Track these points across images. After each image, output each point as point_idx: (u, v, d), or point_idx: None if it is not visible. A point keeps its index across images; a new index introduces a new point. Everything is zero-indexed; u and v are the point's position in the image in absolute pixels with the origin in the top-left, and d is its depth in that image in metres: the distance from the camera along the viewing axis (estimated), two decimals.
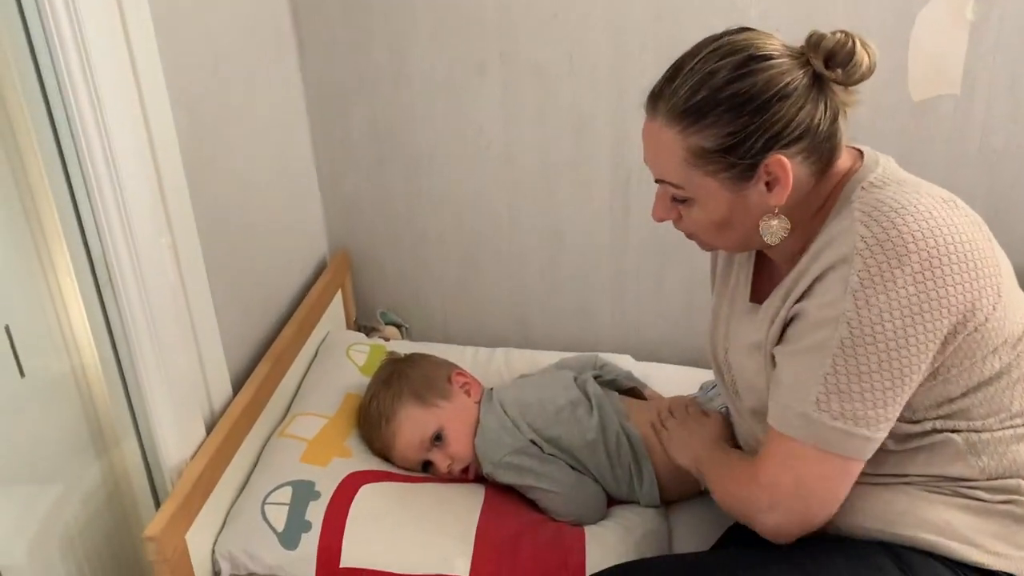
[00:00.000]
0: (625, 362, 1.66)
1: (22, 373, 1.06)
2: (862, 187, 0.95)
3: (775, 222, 0.97)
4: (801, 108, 0.91)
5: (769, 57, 0.92)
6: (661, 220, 1.03)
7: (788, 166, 0.92)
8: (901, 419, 0.94)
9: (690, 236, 1.05)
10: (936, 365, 0.92)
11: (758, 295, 1.09)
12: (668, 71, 0.97)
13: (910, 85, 1.60)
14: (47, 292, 1.12)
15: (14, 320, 1.04)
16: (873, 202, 0.92)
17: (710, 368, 1.64)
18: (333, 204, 1.85)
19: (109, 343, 1.17)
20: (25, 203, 1.07)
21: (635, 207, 1.74)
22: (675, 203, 1.00)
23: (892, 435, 0.94)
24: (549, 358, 1.70)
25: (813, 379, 0.92)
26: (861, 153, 1.00)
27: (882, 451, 0.95)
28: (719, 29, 0.98)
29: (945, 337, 0.89)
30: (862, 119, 1.56)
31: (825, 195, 0.98)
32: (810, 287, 0.94)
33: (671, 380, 1.63)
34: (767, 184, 0.94)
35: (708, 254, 1.23)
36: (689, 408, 1.32)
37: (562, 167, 1.74)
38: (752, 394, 1.06)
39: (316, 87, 1.74)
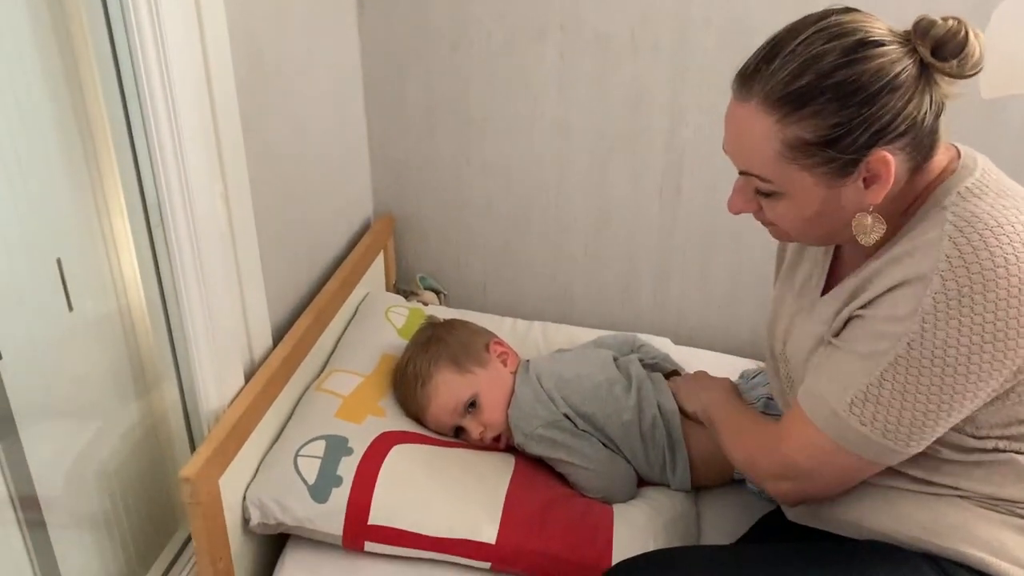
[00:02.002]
0: (664, 345, 1.64)
1: (71, 307, 1.07)
2: (958, 192, 0.88)
3: (869, 220, 0.89)
4: (909, 101, 0.84)
5: (880, 43, 0.84)
6: (739, 213, 0.97)
7: (892, 163, 0.85)
8: (962, 432, 0.91)
9: (767, 225, 0.99)
10: (1008, 387, 0.87)
11: (827, 290, 1.04)
12: (764, 50, 0.88)
13: (981, 83, 1.55)
14: (99, 231, 1.13)
15: (66, 255, 1.06)
16: (967, 216, 0.85)
17: (753, 357, 1.63)
18: (381, 165, 1.85)
19: (157, 286, 1.18)
20: (85, 142, 1.08)
21: (686, 188, 1.72)
22: (758, 195, 0.94)
23: (951, 445, 0.91)
24: (587, 335, 1.69)
25: (855, 383, 0.89)
26: (958, 151, 0.94)
27: (937, 459, 0.93)
28: (788, 9, 0.93)
29: (1020, 365, 0.85)
30: None
31: (916, 193, 0.91)
32: (880, 296, 0.89)
33: (710, 367, 1.60)
34: (865, 180, 0.88)
35: (761, 243, 1.20)
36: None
37: (615, 142, 1.71)
38: None
39: (372, 47, 1.73)
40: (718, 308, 1.84)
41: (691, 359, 1.62)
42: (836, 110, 0.84)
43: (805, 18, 0.88)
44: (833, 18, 0.86)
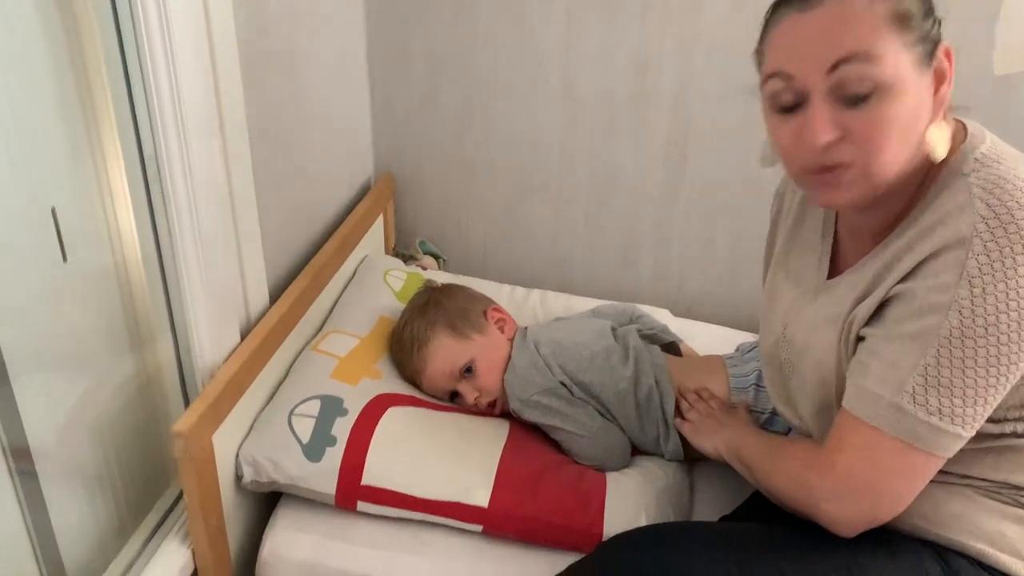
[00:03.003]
0: (662, 316, 1.64)
1: (65, 257, 1.06)
2: (975, 158, 0.86)
3: (939, 130, 0.85)
4: None
5: None
6: (828, 142, 0.84)
7: (952, 58, 0.84)
8: None
9: (840, 170, 0.85)
10: None
11: (832, 272, 1.02)
12: None
13: (995, 57, 1.52)
14: (95, 182, 1.11)
15: (61, 204, 1.04)
16: (993, 178, 0.83)
17: (752, 331, 1.62)
18: (383, 126, 1.83)
19: (153, 239, 1.17)
20: (81, 89, 1.06)
21: (692, 156, 1.70)
22: (843, 111, 0.83)
23: None
24: (585, 304, 1.68)
25: (910, 368, 0.84)
26: (963, 125, 0.91)
27: None
28: None
29: None
30: None
31: (925, 167, 0.88)
32: (918, 266, 0.85)
33: (708, 339, 1.61)
34: (936, 75, 0.84)
35: (762, 217, 1.18)
36: (712, 401, 1.31)
37: (621, 108, 1.69)
38: (817, 370, 0.98)
39: (377, 3, 1.70)
40: (718, 279, 1.83)
41: (690, 331, 1.61)
42: None
43: None
44: None
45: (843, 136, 0.84)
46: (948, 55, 0.84)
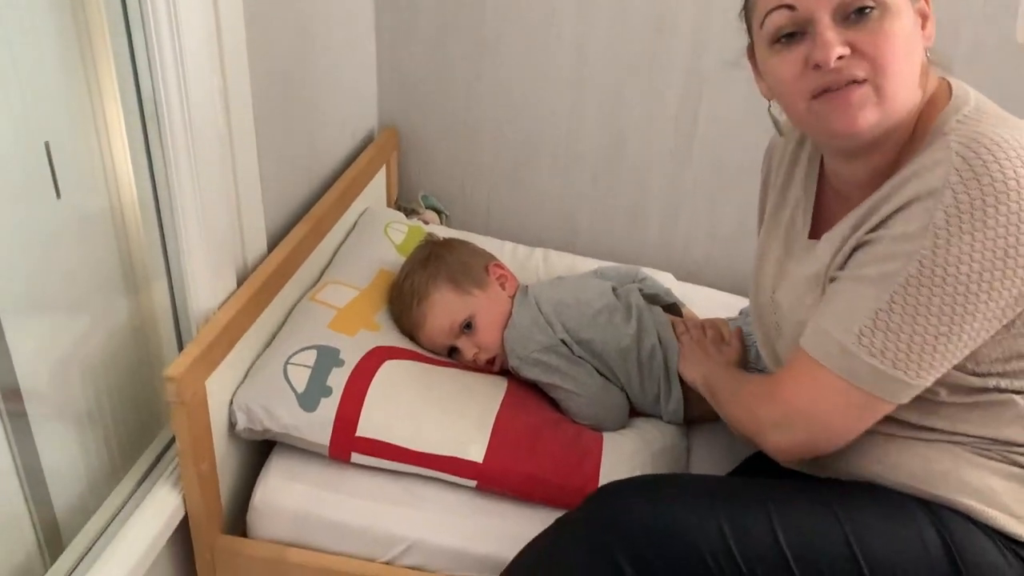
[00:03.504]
0: (666, 280, 1.62)
1: (58, 194, 1.03)
2: (957, 119, 0.87)
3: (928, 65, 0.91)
4: None
5: None
6: (837, 55, 0.85)
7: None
8: (963, 369, 0.88)
9: (856, 81, 0.86)
10: (1012, 317, 0.85)
11: (816, 232, 1.02)
12: None
13: (1018, 25, 1.48)
14: (91, 118, 1.09)
15: (55, 139, 1.02)
16: (972, 135, 0.84)
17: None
18: (388, 76, 1.79)
19: (149, 180, 1.15)
20: (78, 22, 1.03)
21: (703, 119, 1.67)
22: (848, 30, 0.85)
23: (949, 385, 0.89)
24: (589, 265, 1.66)
25: (863, 311, 0.86)
26: (948, 84, 0.93)
27: (934, 402, 0.90)
28: None
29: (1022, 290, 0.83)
30: (958, 55, 1.46)
31: (913, 120, 0.91)
32: (889, 216, 0.87)
33: (711, 303, 1.60)
34: (920, 14, 0.90)
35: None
36: (708, 331, 1.32)
37: (634, 67, 1.66)
38: (799, 330, 0.98)
39: None
40: (724, 244, 1.81)
41: (694, 295, 1.60)
42: None
43: None
44: None
45: (852, 52, 0.86)
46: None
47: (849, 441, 0.93)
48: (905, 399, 0.88)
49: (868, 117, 0.87)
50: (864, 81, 0.86)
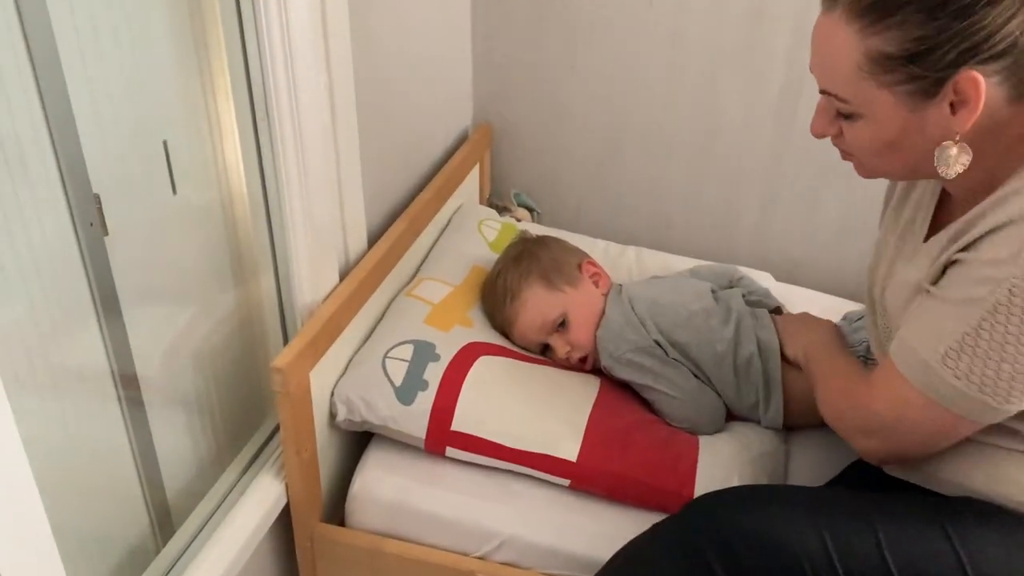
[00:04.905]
0: (764, 280, 1.58)
1: (175, 191, 1.08)
2: None
3: (954, 151, 0.83)
4: (1012, 17, 0.76)
5: None
6: (821, 135, 0.93)
7: (982, 86, 0.79)
8: None
9: (847, 157, 0.94)
10: None
11: (931, 234, 0.98)
12: None
13: None
14: (205, 117, 1.13)
15: (172, 138, 1.06)
16: None
17: (858, 300, 1.54)
18: (483, 72, 1.80)
19: (259, 176, 1.18)
20: (194, 26, 1.07)
21: (803, 112, 1.61)
22: (839, 118, 0.89)
23: None
24: (682, 263, 1.64)
25: (950, 332, 0.84)
26: None
27: None
28: None
29: None
30: None
31: (1020, 130, 0.84)
32: (982, 237, 0.83)
33: (811, 307, 1.54)
34: (952, 105, 0.82)
35: (878, 180, 1.13)
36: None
37: (732, 57, 1.62)
38: None
39: None
40: (824, 245, 1.75)
41: (793, 297, 1.55)
42: (922, 21, 0.78)
43: None
44: None
45: (837, 135, 0.91)
46: (974, 85, 0.79)
47: (938, 451, 0.92)
48: (991, 421, 0.86)
49: (866, 175, 0.94)
50: (851, 157, 0.93)
